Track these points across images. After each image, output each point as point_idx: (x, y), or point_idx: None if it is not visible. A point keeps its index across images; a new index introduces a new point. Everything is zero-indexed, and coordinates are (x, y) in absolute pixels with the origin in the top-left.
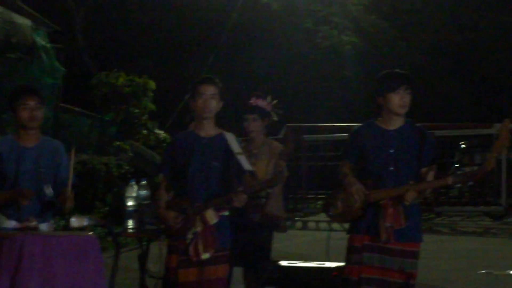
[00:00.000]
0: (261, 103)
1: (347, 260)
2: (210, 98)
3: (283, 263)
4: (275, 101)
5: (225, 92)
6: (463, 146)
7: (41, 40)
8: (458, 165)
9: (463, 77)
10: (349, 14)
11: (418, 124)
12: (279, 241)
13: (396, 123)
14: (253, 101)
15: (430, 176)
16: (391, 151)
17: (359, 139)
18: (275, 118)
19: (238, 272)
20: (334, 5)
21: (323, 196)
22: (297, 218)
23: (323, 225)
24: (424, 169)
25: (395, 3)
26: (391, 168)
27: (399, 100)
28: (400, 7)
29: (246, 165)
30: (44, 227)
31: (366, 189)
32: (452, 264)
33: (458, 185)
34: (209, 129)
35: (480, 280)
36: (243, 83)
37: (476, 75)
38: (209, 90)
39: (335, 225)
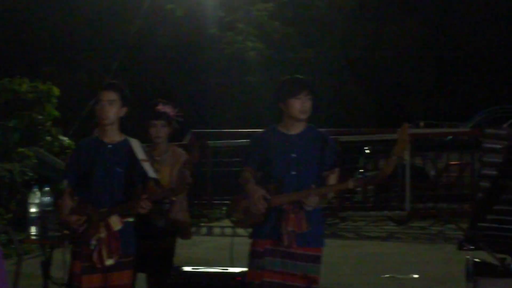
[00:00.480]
0: (167, 109)
1: (249, 265)
2: (108, 104)
3: (187, 268)
4: (177, 108)
5: (129, 98)
6: (367, 151)
7: None
8: (362, 170)
9: (367, 83)
10: (254, 20)
11: (320, 129)
12: (184, 247)
13: (297, 128)
14: (160, 107)
15: (332, 180)
16: (293, 155)
17: (260, 144)
18: (176, 126)
19: (141, 278)
20: (238, 11)
21: (228, 201)
22: (202, 224)
23: (228, 231)
24: (325, 173)
25: (299, 9)
26: (293, 173)
27: (300, 105)
28: (304, 13)
29: (150, 172)
30: None
31: (268, 193)
32: (356, 268)
33: (369, 188)
34: (113, 135)
35: (384, 284)
36: (149, 89)
37: (380, 81)
38: (108, 96)
39: (240, 231)
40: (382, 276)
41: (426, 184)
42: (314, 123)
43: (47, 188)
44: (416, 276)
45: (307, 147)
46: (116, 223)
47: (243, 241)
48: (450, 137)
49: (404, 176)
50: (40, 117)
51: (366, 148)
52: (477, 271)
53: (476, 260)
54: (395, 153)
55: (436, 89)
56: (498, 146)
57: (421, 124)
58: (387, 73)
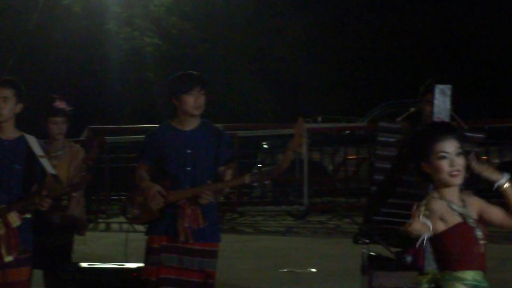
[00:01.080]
0: (64, 105)
1: (146, 261)
2: (2, 101)
3: (84, 264)
4: (70, 103)
5: (25, 94)
6: (265, 146)
7: None
8: (260, 165)
9: (265, 78)
10: (151, 15)
11: (215, 124)
12: (81, 243)
13: (192, 124)
14: (58, 103)
15: (227, 175)
16: (188, 151)
17: (155, 140)
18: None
19: (38, 274)
20: (135, 6)
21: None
22: (100, 220)
23: (126, 227)
24: (221, 169)
25: (197, 4)
26: (188, 169)
27: (193, 101)
28: (202, 8)
29: (49, 168)
30: None
31: (163, 190)
32: (255, 263)
33: (266, 183)
34: (9, 132)
35: (282, 278)
36: (46, 85)
37: (278, 76)
38: (2, 93)
39: (138, 226)
40: (280, 270)
41: (324, 179)
42: (212, 119)
43: None
44: (313, 270)
45: (202, 143)
46: (15, 219)
47: (141, 237)
48: (348, 131)
49: (302, 171)
50: None
51: (264, 143)
52: (372, 264)
53: (371, 253)
54: (291, 148)
55: (334, 84)
56: (392, 140)
57: (319, 118)
58: (285, 67)
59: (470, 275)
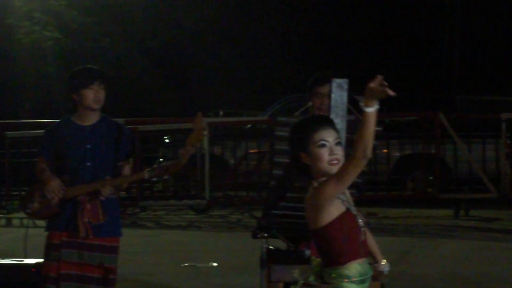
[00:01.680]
0: None
1: (45, 257)
2: None
3: None
4: None
5: None
6: (167, 140)
7: None
8: (162, 159)
9: (167, 72)
10: (51, 9)
11: (115, 119)
12: None
13: (91, 119)
14: None
15: (127, 170)
16: (88, 146)
17: (55, 135)
18: None
19: None
20: (35, 1)
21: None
22: (0, 216)
23: (26, 222)
24: (120, 164)
25: None
26: (88, 164)
27: (93, 95)
28: (102, 2)
29: None
30: None
31: (63, 185)
32: (156, 258)
33: (166, 178)
34: None
35: (184, 273)
36: None
37: (180, 70)
38: None
39: (40, 222)
40: (182, 265)
41: (226, 173)
42: (113, 113)
43: None
44: (215, 264)
45: (102, 138)
46: None
47: (42, 232)
48: (249, 125)
49: (204, 165)
50: None
51: (166, 137)
52: (271, 258)
53: (270, 247)
54: (190, 143)
55: (235, 78)
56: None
57: (221, 112)
58: (187, 62)
59: (355, 269)
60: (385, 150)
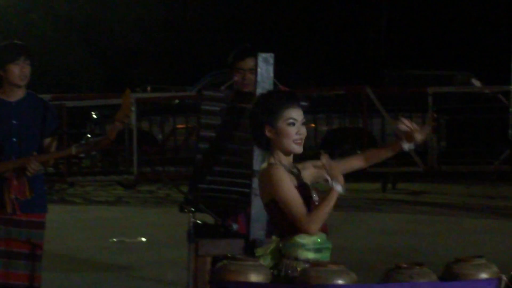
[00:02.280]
0: None
1: None
2: None
3: None
4: None
5: None
6: (94, 116)
7: None
8: (89, 135)
9: (94, 47)
10: None
11: (41, 95)
12: None
13: (17, 95)
14: None
15: (53, 146)
16: (14, 122)
17: None
18: None
19: None
20: None
21: None
22: None
23: None
24: (47, 140)
25: None
26: (14, 140)
27: (19, 71)
28: None
29: None
30: None
31: None
32: (85, 233)
33: (93, 154)
34: None
35: (112, 248)
36: None
37: (108, 45)
38: None
39: None
40: (110, 240)
41: (154, 148)
42: (40, 89)
43: None
44: (143, 239)
45: (28, 114)
46: None
47: None
48: (177, 101)
49: (132, 141)
50: None
51: (94, 113)
52: (198, 232)
53: (198, 222)
54: (117, 118)
55: (163, 53)
56: (216, 108)
57: (148, 88)
58: (114, 36)
59: (309, 238)
60: (312, 125)
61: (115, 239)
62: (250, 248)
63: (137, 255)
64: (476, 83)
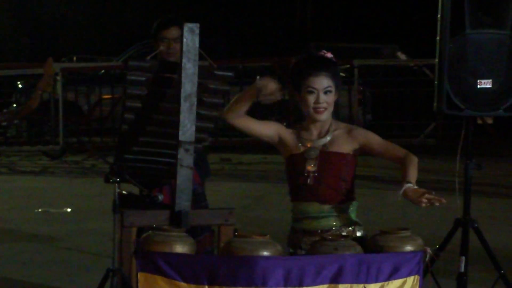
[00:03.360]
0: None
1: None
2: None
3: None
4: None
5: None
6: (20, 86)
7: None
8: (15, 105)
9: (21, 16)
10: None
11: None
12: None
13: None
14: None
15: None
16: None
17: None
18: None
19: None
20: None
21: None
22: None
23: None
24: None
25: None
26: None
27: None
28: None
29: None
30: None
31: None
32: (10, 203)
33: (15, 122)
34: None
35: (37, 218)
36: None
37: (34, 14)
38: None
39: None
40: (36, 210)
41: (79, 118)
42: None
43: None
44: (69, 210)
45: None
46: None
47: None
48: (103, 71)
49: (57, 111)
50: None
51: (19, 82)
52: (124, 203)
53: (123, 192)
54: (40, 87)
55: (90, 23)
56: (142, 79)
57: (74, 58)
58: (42, 6)
59: (296, 208)
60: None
61: (40, 210)
62: (175, 219)
63: (62, 225)
64: (402, 56)
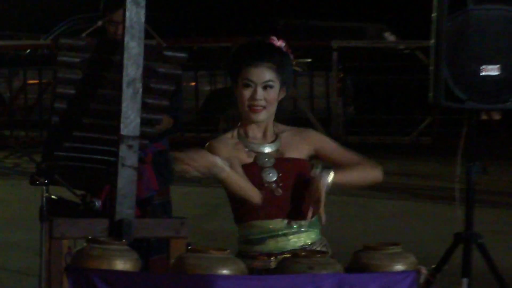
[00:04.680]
0: None
1: None
2: None
3: None
4: None
5: None
6: None
7: None
8: None
9: None
10: None
11: None
12: None
13: None
14: None
15: None
16: None
17: None
18: None
19: None
20: None
21: None
22: None
23: None
24: None
25: None
26: None
27: None
28: None
29: None
30: None
31: None
32: None
33: None
34: None
35: None
36: None
37: None
38: None
39: None
40: None
41: (0, 109)
42: None
43: None
44: None
45: None
46: None
47: None
48: (28, 50)
49: None
50: None
51: None
52: (53, 210)
53: (53, 197)
54: None
55: None
56: (76, 60)
57: None
58: None
59: (254, 227)
60: (193, 83)
61: None
62: (115, 230)
63: None
64: (390, 37)
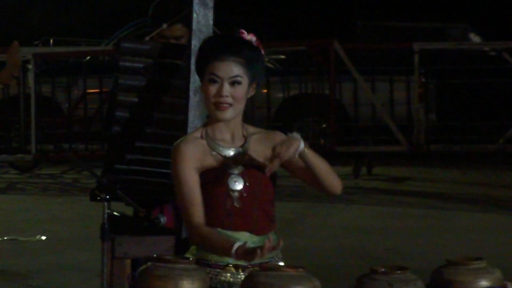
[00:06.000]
0: None
1: None
2: None
3: None
4: None
5: None
6: None
7: None
8: None
9: None
10: None
11: None
12: None
13: None
14: None
15: None
16: None
17: None
18: None
19: None
20: None
21: None
22: None
23: None
24: None
25: None
26: None
27: None
28: None
29: None
30: None
31: None
32: None
33: None
34: None
35: (3, 248)
36: None
37: None
38: None
39: None
40: (1, 238)
41: (58, 120)
42: None
43: None
44: (43, 237)
45: None
46: None
47: None
48: (88, 57)
49: (29, 110)
50: None
51: None
52: (115, 227)
53: (115, 213)
54: (1, 79)
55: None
56: (138, 65)
57: (51, 41)
58: None
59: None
60: (264, 90)
61: (6, 238)
62: (182, 248)
63: (34, 258)
64: (475, 38)
